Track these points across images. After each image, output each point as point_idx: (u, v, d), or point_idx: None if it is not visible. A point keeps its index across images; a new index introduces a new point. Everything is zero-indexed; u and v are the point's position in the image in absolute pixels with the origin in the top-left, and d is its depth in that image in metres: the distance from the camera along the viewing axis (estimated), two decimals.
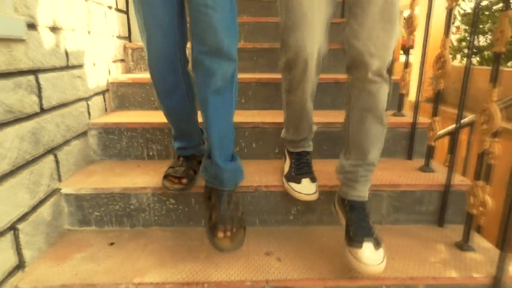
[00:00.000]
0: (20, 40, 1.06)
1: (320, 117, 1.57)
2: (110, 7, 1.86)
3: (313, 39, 1.03)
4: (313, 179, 1.28)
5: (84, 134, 1.50)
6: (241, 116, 1.66)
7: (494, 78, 1.12)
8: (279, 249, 1.22)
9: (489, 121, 1.14)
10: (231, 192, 1.19)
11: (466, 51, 5.72)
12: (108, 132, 1.55)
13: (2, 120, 0.98)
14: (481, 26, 5.78)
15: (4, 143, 0.98)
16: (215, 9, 0.99)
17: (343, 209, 1.14)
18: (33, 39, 1.13)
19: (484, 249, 1.25)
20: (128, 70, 2.09)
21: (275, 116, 1.65)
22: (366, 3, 0.99)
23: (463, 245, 1.24)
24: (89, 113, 1.55)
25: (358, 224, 1.06)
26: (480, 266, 1.15)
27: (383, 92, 1.06)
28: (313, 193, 1.24)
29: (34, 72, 1.14)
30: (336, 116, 1.67)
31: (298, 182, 1.26)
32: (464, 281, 1.09)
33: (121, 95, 1.82)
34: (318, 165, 1.40)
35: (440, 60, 1.39)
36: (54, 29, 1.26)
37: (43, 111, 1.18)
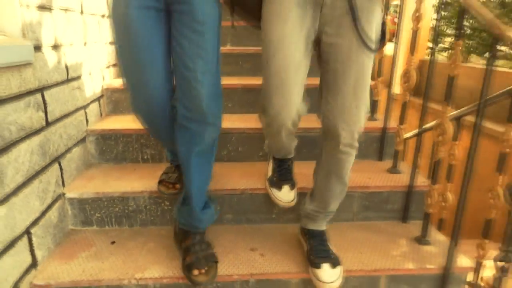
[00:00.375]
0: (29, 64, 1.17)
1: (301, 122, 1.72)
2: (103, 16, 1.95)
3: (290, 107, 1.10)
4: (293, 186, 1.44)
5: (83, 140, 1.62)
6: (228, 121, 1.79)
7: (448, 97, 1.29)
8: (262, 245, 1.39)
9: (443, 134, 1.31)
10: (203, 232, 1.28)
11: (446, 41, 5.92)
12: (105, 138, 1.67)
13: (16, 138, 1.10)
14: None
15: (18, 158, 1.11)
16: (203, 84, 1.08)
17: (304, 237, 1.32)
18: (39, 60, 1.24)
19: (439, 242, 1.45)
20: (120, 74, 2.19)
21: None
22: (341, 81, 1.07)
23: (421, 239, 1.43)
24: (87, 120, 1.67)
25: (317, 249, 1.25)
26: (434, 258, 1.34)
27: (351, 159, 1.17)
28: (291, 200, 1.40)
29: (41, 89, 1.25)
30: (316, 121, 1.82)
31: (279, 188, 1.42)
32: (419, 271, 1.29)
33: (114, 100, 1.94)
34: (298, 167, 1.56)
35: (406, 75, 1.56)
36: (55, 47, 1.37)
37: (48, 124, 1.30)
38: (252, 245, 1.40)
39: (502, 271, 1.31)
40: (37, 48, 1.24)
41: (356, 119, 1.10)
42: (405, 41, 1.92)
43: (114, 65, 2.12)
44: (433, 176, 1.39)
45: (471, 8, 1.15)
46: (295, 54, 1.05)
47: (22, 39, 1.15)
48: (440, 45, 5.88)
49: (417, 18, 1.50)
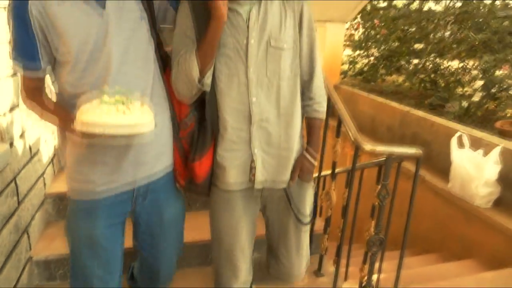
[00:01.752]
0: (8, 163, 1.43)
1: None
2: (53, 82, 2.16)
3: (240, 278, 1.29)
4: None
5: (42, 203, 1.86)
6: None
7: (333, 176, 1.81)
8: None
9: (330, 200, 1.84)
10: None
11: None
12: (62, 199, 1.93)
13: (0, 227, 1.36)
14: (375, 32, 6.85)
15: (1, 243, 1.37)
16: (170, 265, 1.34)
17: None
18: (13, 153, 1.50)
19: (331, 273, 1.98)
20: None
21: None
22: (284, 244, 1.32)
23: (317, 272, 1.96)
24: (45, 184, 1.91)
25: None
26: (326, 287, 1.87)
27: None
28: None
29: (14, 178, 1.51)
30: None
31: None
32: None
33: None
34: None
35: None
36: (22, 135, 1.62)
37: (19, 203, 1.56)
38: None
39: None
40: (11, 144, 1.49)
41: (298, 269, 1.40)
42: None
43: None
44: (324, 227, 1.92)
45: (343, 121, 1.67)
46: (242, 237, 1.26)
47: (2, 144, 1.41)
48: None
49: None
